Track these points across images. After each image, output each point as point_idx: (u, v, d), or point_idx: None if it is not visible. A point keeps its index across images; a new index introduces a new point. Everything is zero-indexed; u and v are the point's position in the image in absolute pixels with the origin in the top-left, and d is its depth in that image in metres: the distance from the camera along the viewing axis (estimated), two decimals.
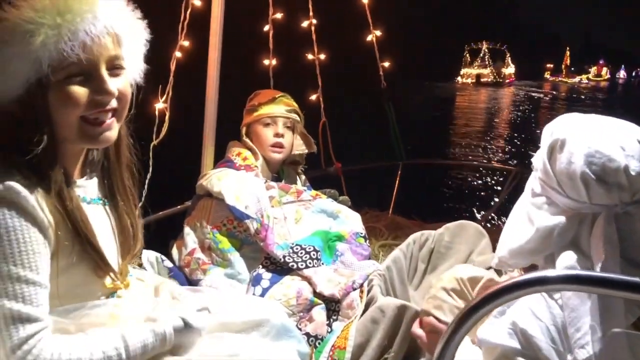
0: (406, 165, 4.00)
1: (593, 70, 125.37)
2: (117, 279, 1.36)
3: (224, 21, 2.71)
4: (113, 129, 1.29)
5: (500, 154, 19.88)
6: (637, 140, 1.24)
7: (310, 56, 3.29)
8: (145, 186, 2.61)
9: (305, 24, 3.20)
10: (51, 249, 1.19)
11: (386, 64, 3.55)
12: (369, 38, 3.40)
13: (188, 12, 2.57)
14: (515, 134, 26.08)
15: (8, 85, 1.15)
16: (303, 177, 2.84)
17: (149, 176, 2.62)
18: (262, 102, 2.62)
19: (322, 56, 3.27)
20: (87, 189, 1.34)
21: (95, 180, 1.38)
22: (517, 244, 1.39)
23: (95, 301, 1.31)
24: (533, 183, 1.42)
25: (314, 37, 3.19)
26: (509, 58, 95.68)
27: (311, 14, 3.15)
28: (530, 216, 1.39)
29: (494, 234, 2.67)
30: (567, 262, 1.26)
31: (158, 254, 2.57)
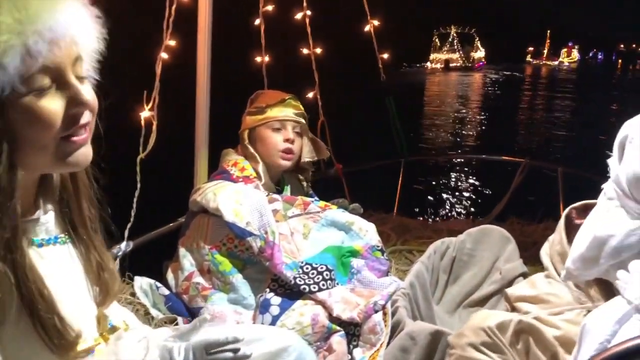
0: (408, 162, 3.78)
1: (563, 52, 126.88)
2: (90, 341, 1.10)
3: (212, 17, 2.45)
4: (89, 145, 1.04)
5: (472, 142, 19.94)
6: None
7: (305, 51, 3.03)
8: (134, 204, 2.35)
9: (299, 15, 2.94)
10: None
11: (385, 56, 3.32)
12: (367, 29, 3.15)
13: (173, 8, 2.29)
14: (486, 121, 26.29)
15: None
16: (305, 184, 2.60)
17: (137, 193, 2.35)
18: (270, 104, 2.37)
19: (318, 50, 3.02)
20: (43, 226, 1.07)
21: (51, 214, 1.10)
22: (578, 252, 1.30)
23: None
24: (608, 187, 1.32)
25: (308, 30, 2.94)
26: (478, 42, 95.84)
27: (305, 4, 2.90)
28: (593, 222, 1.30)
29: (509, 232, 2.48)
30: None
31: (152, 281, 2.32)
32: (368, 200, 3.49)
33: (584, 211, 1.53)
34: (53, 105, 0.94)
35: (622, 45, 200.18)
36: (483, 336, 1.48)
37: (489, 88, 51.78)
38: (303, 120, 2.40)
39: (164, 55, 2.30)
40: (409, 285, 2.10)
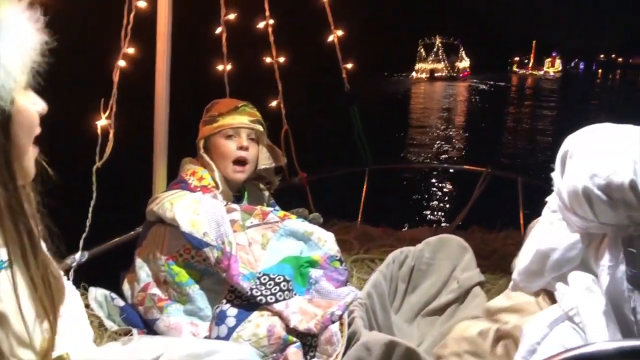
0: (373, 170, 3.80)
1: (547, 62, 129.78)
2: None
3: (172, 24, 2.43)
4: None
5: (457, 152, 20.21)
6: None
7: (268, 59, 3.02)
8: (89, 214, 2.31)
9: (261, 24, 2.94)
10: None
11: (349, 66, 3.33)
12: (330, 39, 3.16)
13: (132, 16, 2.26)
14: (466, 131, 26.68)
15: None
16: (267, 194, 2.58)
17: (92, 202, 2.31)
18: (223, 112, 2.34)
19: (282, 59, 3.01)
20: None
21: None
22: (523, 265, 1.33)
23: None
24: (551, 200, 1.33)
25: (271, 38, 2.93)
26: (463, 52, 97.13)
27: (267, 13, 2.89)
28: (538, 235, 1.31)
29: (469, 241, 2.51)
30: (582, 284, 1.14)
31: (107, 292, 2.28)
32: (333, 208, 3.50)
33: None
34: (32, 109, 0.95)
35: (602, 56, 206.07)
36: (465, 345, 1.53)
37: (474, 97, 52.56)
38: (259, 127, 2.38)
39: (121, 63, 2.26)
40: (367, 295, 2.11)
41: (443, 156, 19.57)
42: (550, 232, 1.27)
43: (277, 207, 2.52)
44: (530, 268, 1.29)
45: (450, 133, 26.26)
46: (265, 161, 2.47)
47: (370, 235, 3.30)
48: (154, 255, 2.16)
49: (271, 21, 2.92)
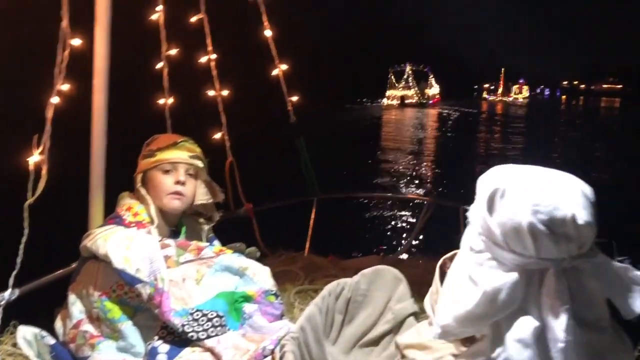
0: (321, 200, 3.84)
1: (514, 89, 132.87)
2: None
3: (111, 59, 2.44)
4: None
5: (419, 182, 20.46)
6: (580, 191, 1.16)
7: (212, 93, 3.06)
8: (20, 251, 2.27)
9: (204, 59, 2.98)
10: None
11: (294, 98, 3.40)
12: (275, 72, 3.22)
13: (66, 53, 2.27)
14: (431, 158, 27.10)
15: None
16: (206, 227, 2.59)
17: (23, 239, 2.28)
18: (162, 147, 2.36)
19: (225, 92, 3.05)
20: None
21: None
22: (464, 309, 1.25)
23: None
24: (471, 240, 1.30)
25: (214, 72, 2.97)
26: (433, 79, 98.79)
27: (210, 48, 2.94)
28: (473, 277, 1.26)
29: (412, 269, 2.55)
30: (519, 335, 1.15)
31: (37, 330, 2.23)
32: (280, 240, 3.52)
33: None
34: None
35: (565, 82, 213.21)
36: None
37: (444, 123, 53.42)
38: (198, 163, 2.40)
39: (54, 100, 2.26)
40: (300, 329, 2.11)
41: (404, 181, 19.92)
42: (489, 273, 1.22)
43: (215, 242, 2.53)
44: (474, 312, 1.22)
45: (419, 160, 26.63)
46: (203, 197, 2.48)
47: (316, 265, 3.33)
48: (88, 291, 2.14)
49: (213, 56, 2.97)
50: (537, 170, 1.24)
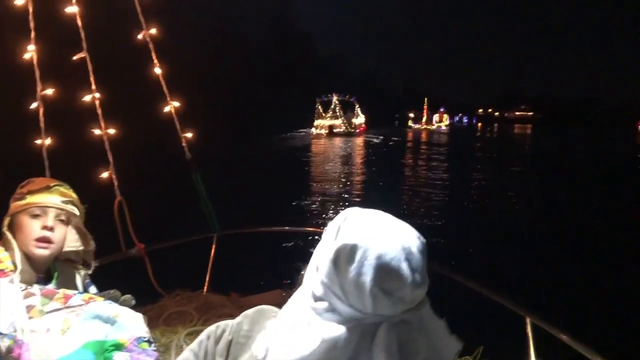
0: (222, 236, 3.79)
1: (436, 117, 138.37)
2: None
3: None
4: None
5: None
6: (417, 248, 1.21)
7: (97, 131, 2.98)
8: None
9: (88, 97, 2.90)
10: None
11: (189, 135, 3.37)
12: (167, 109, 3.19)
13: None
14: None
15: None
16: (82, 272, 2.48)
17: None
18: (33, 190, 2.25)
19: (112, 131, 2.97)
20: None
21: None
22: (299, 354, 1.22)
23: None
24: (314, 284, 1.28)
25: (99, 111, 2.90)
26: (359, 109, 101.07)
27: (93, 87, 2.87)
28: (311, 323, 1.24)
29: None
30: None
31: None
32: (177, 279, 3.43)
33: None
34: None
35: (480, 110, 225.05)
36: None
37: (370, 151, 54.54)
38: (71, 208, 2.32)
39: None
40: None
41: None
42: (325, 323, 1.20)
43: (91, 289, 2.43)
44: (308, 359, 1.22)
45: (345, 188, 26.97)
46: (73, 243, 2.38)
47: (213, 304, 3.26)
48: None
49: (97, 94, 2.90)
50: (383, 223, 1.26)
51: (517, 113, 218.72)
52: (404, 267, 1.18)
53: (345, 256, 1.21)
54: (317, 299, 1.26)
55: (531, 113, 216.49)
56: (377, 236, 1.23)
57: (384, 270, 1.16)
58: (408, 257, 1.19)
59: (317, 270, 1.31)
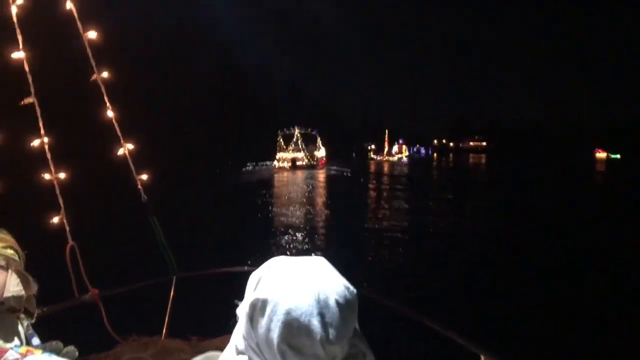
0: (181, 278, 3.71)
1: (395, 148, 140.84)
2: None
3: None
4: None
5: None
6: (335, 302, 1.17)
7: (47, 176, 2.90)
8: None
9: (36, 142, 2.84)
10: None
11: (144, 177, 3.32)
12: (120, 152, 3.15)
13: None
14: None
15: None
16: (26, 323, 2.37)
17: None
18: None
19: (62, 175, 2.91)
20: None
21: None
22: None
23: None
24: (236, 337, 1.25)
25: (49, 155, 2.84)
26: (320, 141, 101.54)
27: (42, 132, 2.81)
28: None
29: None
30: None
31: None
32: (135, 324, 3.33)
33: None
34: None
35: (435, 141, 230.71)
36: None
37: (330, 185, 54.51)
38: (9, 252, 2.23)
39: None
40: None
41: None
42: None
43: (34, 340, 2.32)
44: None
45: (309, 225, 26.78)
46: (14, 288, 2.28)
47: (170, 350, 3.16)
48: None
49: (46, 139, 2.84)
50: (303, 278, 1.22)
51: (471, 143, 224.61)
52: (315, 322, 1.14)
53: (258, 310, 1.18)
54: (238, 352, 1.24)
55: (484, 143, 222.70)
56: (290, 290, 1.19)
57: (292, 326, 1.13)
58: (322, 312, 1.15)
59: (240, 322, 1.27)
